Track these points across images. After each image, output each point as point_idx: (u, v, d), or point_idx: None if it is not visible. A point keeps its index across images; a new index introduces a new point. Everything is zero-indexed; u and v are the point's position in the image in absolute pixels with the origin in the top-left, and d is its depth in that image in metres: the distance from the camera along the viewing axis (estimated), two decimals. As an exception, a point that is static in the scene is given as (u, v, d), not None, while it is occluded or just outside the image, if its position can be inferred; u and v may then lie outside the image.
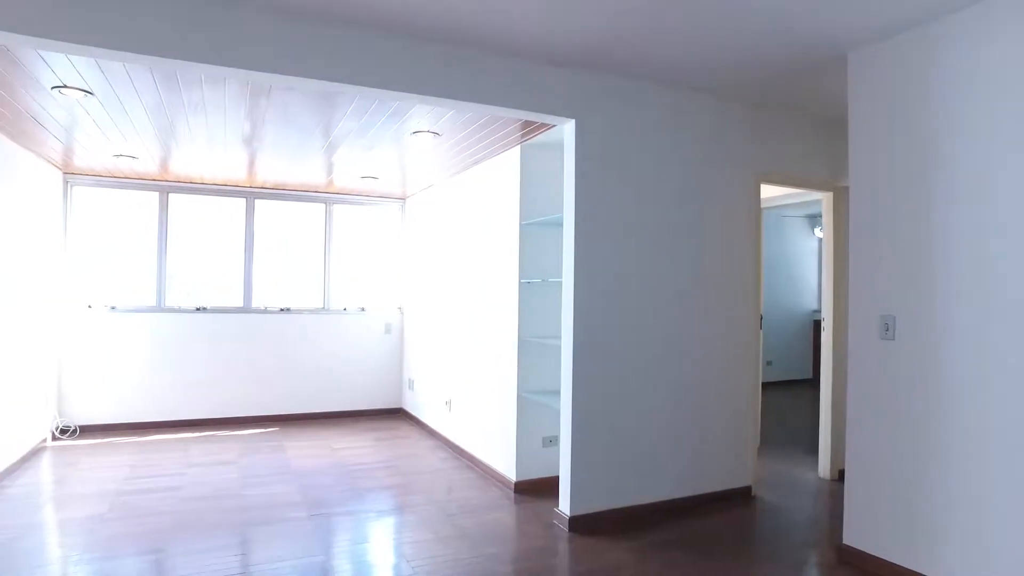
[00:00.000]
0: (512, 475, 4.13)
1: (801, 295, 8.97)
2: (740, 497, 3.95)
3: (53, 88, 3.17)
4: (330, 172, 5.31)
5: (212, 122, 3.81)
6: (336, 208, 6.43)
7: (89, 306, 5.49)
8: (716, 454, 3.87)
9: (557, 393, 4.00)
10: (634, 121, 3.61)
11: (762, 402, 6.79)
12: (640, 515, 3.59)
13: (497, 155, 4.45)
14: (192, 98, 3.37)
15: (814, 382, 8.40)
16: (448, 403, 5.27)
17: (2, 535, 3.27)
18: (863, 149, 3.03)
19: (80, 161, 5.03)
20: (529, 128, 3.78)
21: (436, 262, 5.72)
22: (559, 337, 4.05)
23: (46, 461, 4.65)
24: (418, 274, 6.20)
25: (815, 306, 8.96)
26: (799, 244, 8.96)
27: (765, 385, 8.25)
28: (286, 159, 4.80)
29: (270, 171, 5.22)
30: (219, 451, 4.98)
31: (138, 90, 3.23)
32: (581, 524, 3.43)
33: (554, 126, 3.64)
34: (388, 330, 6.56)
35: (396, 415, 6.45)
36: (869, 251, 2.98)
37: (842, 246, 4.38)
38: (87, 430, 5.42)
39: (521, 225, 4.12)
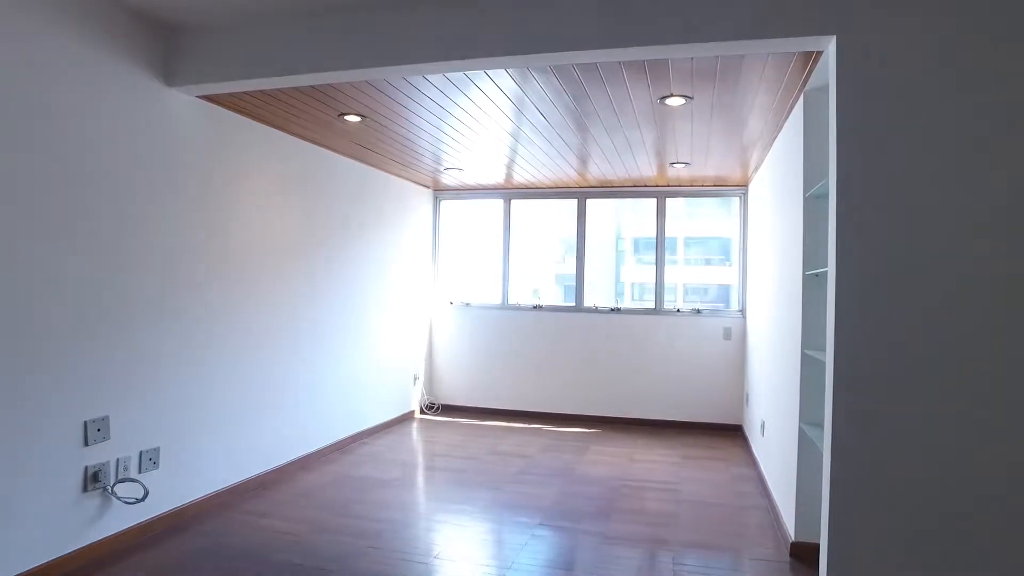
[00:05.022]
0: (791, 531, 3.10)
1: None
2: None
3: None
4: (658, 163, 4.92)
5: (547, 117, 3.80)
6: (670, 202, 5.99)
7: (451, 303, 6.41)
8: None
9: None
10: (942, 27, 2.27)
11: None
12: (956, 644, 2.22)
13: (789, 116, 3.43)
14: (533, 94, 3.39)
15: None
16: (762, 425, 4.31)
17: (322, 479, 4.06)
18: None
19: (446, 179, 5.93)
20: (792, 62, 2.79)
21: (761, 256, 4.76)
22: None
23: (405, 429, 5.60)
24: (753, 272, 5.28)
25: None
26: None
27: None
28: (604, 145, 4.47)
29: (599, 161, 5.03)
30: (527, 444, 5.16)
31: (494, 100, 3.49)
32: (842, 628, 2.32)
33: (820, 51, 2.58)
34: (727, 335, 5.77)
35: (732, 433, 5.61)
36: None
37: None
38: (447, 408, 6.32)
39: (804, 198, 3.06)
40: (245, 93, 3.29)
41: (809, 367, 3.02)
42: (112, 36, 2.86)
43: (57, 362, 2.67)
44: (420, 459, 4.70)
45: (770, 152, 4.23)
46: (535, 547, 3.11)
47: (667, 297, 5.95)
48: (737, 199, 5.84)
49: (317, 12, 2.85)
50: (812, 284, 3.04)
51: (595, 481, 4.19)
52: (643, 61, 2.81)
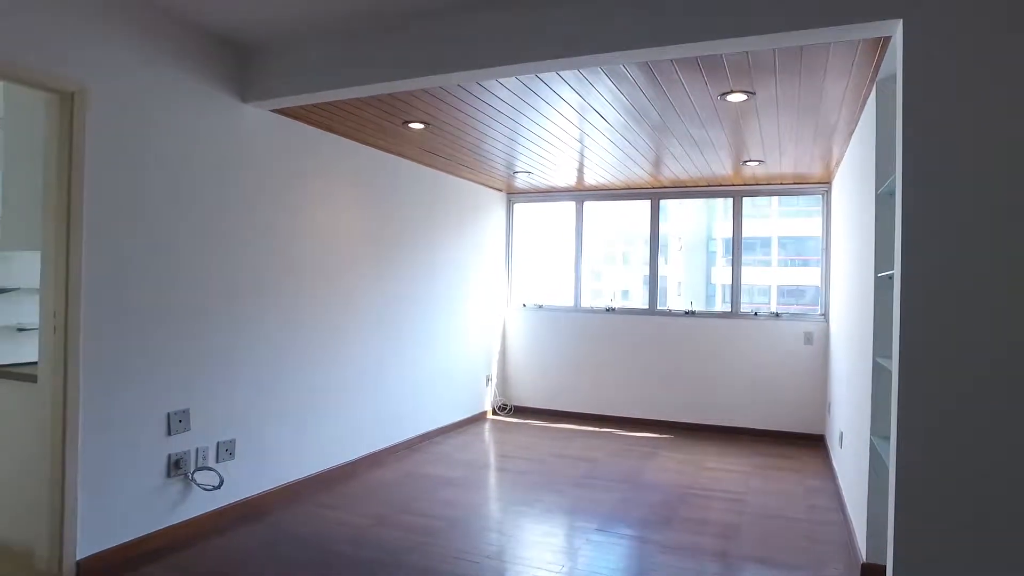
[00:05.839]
0: (862, 552, 2.91)
1: None
2: None
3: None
4: (732, 162, 4.75)
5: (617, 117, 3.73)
6: (747, 202, 5.76)
7: (523, 305, 6.45)
8: None
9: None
10: (1018, 6, 2.06)
11: None
12: None
13: (864, 108, 3.22)
14: (590, 97, 3.36)
15: None
16: (840, 436, 4.06)
17: (391, 475, 4.20)
18: None
19: (518, 182, 5.98)
20: (858, 50, 2.62)
21: (839, 257, 4.49)
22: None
23: (476, 429, 5.69)
24: (835, 274, 4.98)
25: None
26: None
27: None
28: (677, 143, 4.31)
29: (669, 162, 4.88)
30: (595, 448, 5.11)
31: (555, 102, 3.47)
32: (907, 659, 2.16)
33: (889, 37, 2.42)
34: (809, 340, 5.47)
35: (813, 443, 5.31)
36: None
37: None
38: (519, 410, 6.35)
39: (876, 194, 2.87)
40: (313, 105, 3.47)
41: (880, 376, 2.83)
42: (194, 59, 3.10)
43: (143, 359, 2.92)
44: (487, 459, 4.77)
45: (848, 147, 3.99)
46: (588, 553, 3.09)
47: (758, 299, 5.73)
48: (820, 197, 5.54)
49: (370, 23, 2.97)
50: (884, 287, 2.84)
51: (660, 488, 4.10)
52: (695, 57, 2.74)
